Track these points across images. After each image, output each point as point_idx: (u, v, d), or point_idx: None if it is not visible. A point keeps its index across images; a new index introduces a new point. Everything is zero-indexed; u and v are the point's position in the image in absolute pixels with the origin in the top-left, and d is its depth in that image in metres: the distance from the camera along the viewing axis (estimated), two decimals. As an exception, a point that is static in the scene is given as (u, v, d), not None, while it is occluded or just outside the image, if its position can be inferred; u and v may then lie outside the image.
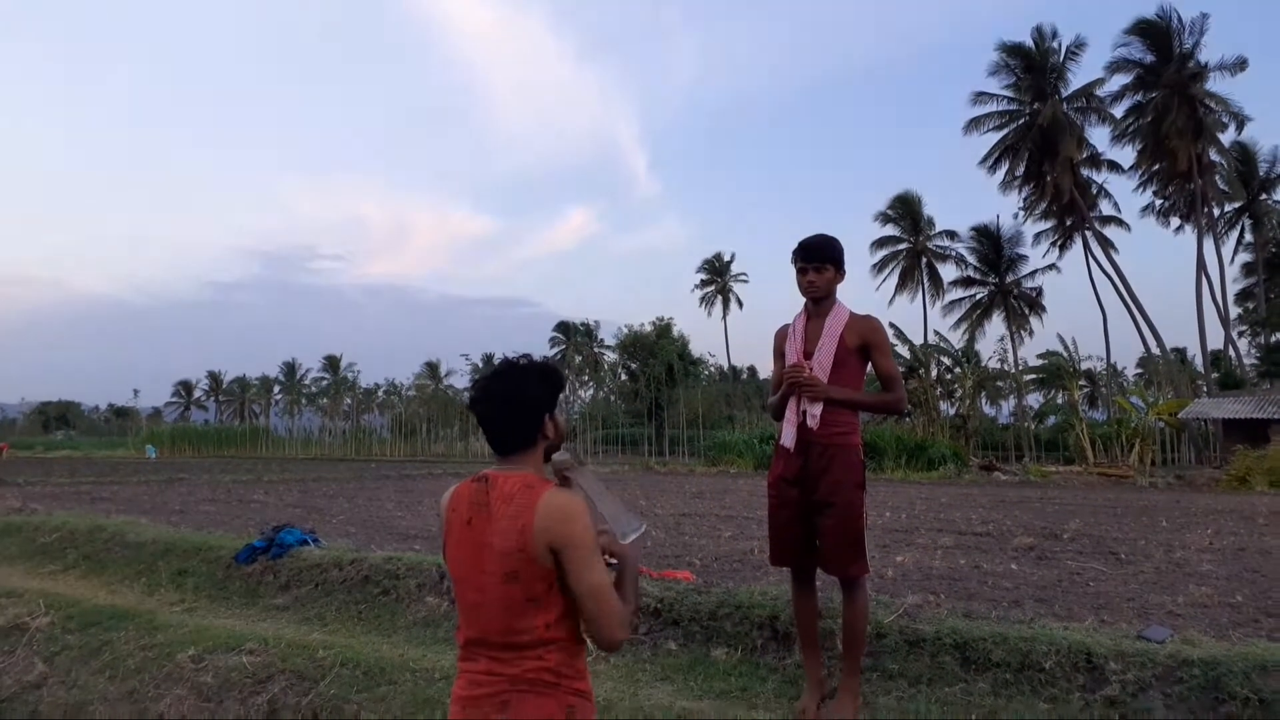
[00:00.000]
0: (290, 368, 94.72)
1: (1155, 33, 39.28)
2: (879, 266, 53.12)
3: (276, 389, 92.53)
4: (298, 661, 4.80)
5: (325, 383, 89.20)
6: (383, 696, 4.36)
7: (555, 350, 79.68)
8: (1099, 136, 57.54)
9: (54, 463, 36.28)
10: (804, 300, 4.10)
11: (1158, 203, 43.89)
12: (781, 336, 4.18)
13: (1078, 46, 41.51)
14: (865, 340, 3.96)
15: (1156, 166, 41.59)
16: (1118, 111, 41.51)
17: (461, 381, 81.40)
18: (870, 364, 4.04)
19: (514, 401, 2.17)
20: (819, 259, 3.98)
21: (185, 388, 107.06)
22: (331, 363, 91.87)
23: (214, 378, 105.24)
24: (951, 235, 51.66)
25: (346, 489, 18.34)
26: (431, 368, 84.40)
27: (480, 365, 79.86)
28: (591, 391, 74.15)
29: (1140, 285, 74.15)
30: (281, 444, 62.02)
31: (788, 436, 4.03)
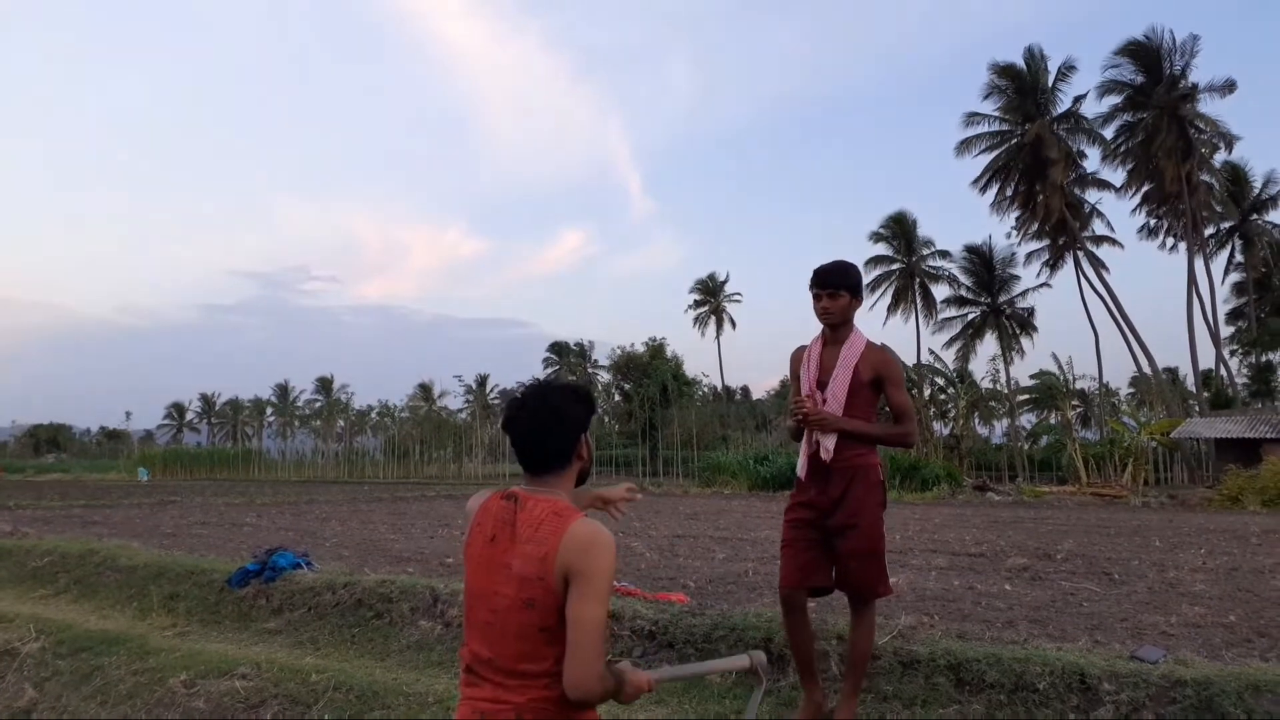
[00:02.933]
0: (283, 389, 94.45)
1: (1145, 54, 39.72)
2: (872, 286, 53.32)
3: (269, 411, 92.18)
4: (291, 686, 4.78)
5: (318, 404, 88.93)
6: (376, 721, 4.35)
7: (549, 371, 79.59)
8: (1091, 157, 57.96)
9: (45, 486, 36.08)
10: (821, 326, 4.12)
11: (1150, 222, 44.27)
12: (797, 359, 4.20)
13: (1068, 68, 41.95)
14: (879, 373, 4.00)
15: (1147, 186, 41.96)
16: (1108, 132, 41.92)
17: (455, 403, 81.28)
18: (884, 395, 4.06)
19: (552, 419, 2.15)
20: (833, 284, 3.99)
21: (177, 410, 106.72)
22: (324, 384, 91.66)
23: (206, 400, 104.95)
24: (944, 255, 51.95)
25: (339, 511, 18.26)
26: (425, 389, 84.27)
27: (474, 387, 79.80)
28: (585, 412, 73.94)
29: (1132, 304, 74.41)
30: (274, 466, 61.87)
31: (801, 466, 4.07)
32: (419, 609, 6.11)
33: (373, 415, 78.10)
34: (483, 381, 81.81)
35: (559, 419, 2.15)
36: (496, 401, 79.65)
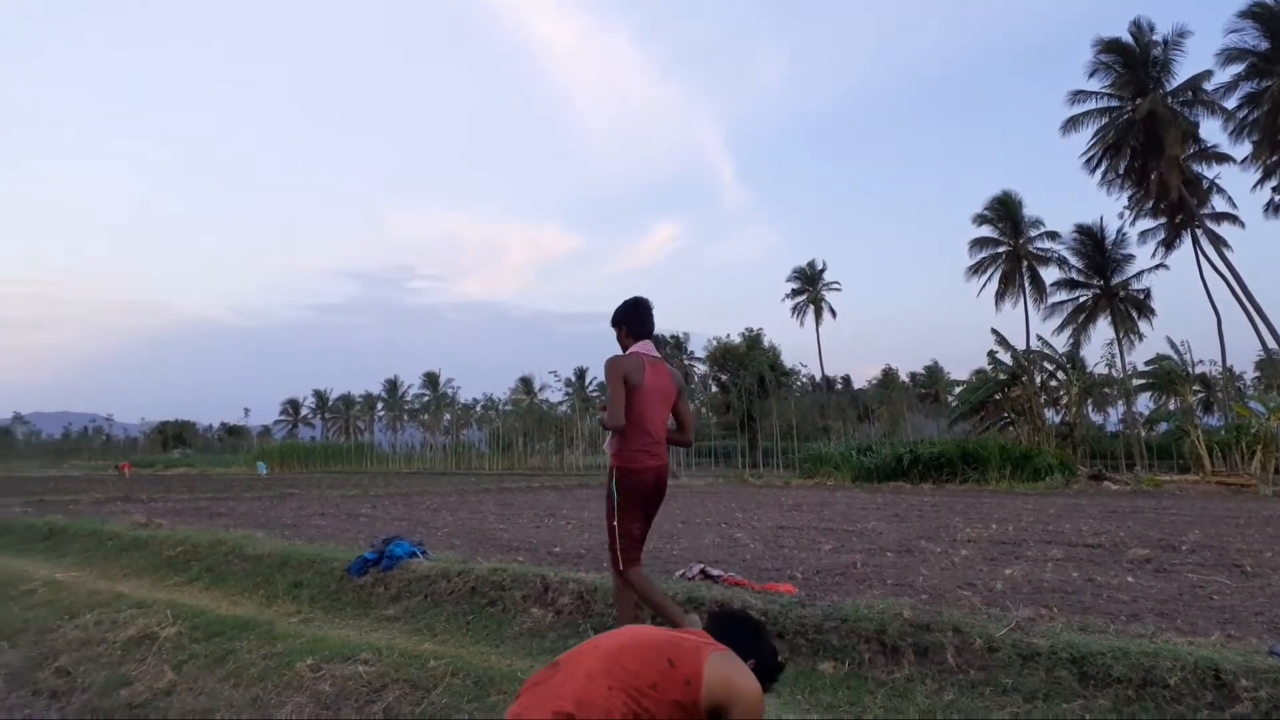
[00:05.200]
0: (392, 385, 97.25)
1: (1271, 17, 37.42)
2: (976, 269, 51.84)
3: (379, 406, 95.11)
4: (411, 671, 4.92)
5: (426, 399, 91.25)
6: (493, 706, 4.44)
7: (646, 364, 79.39)
8: (1211, 129, 55.22)
9: (173, 480, 37.96)
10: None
11: (1276, 198, 41.78)
12: None
13: (1180, 35, 39.83)
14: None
15: (1275, 158, 39.60)
16: (1230, 102, 39.66)
17: (555, 396, 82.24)
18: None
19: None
20: (613, 325, 5.18)
21: (293, 406, 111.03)
22: (431, 379, 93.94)
23: (320, 396, 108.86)
24: (1053, 236, 50.11)
25: (449, 502, 18.72)
26: (526, 383, 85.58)
27: (573, 380, 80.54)
28: (684, 404, 73.94)
29: (1257, 284, 70.56)
30: (385, 459, 63.76)
31: None
32: (530, 597, 6.22)
33: (477, 409, 79.77)
34: (581, 375, 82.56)
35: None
36: (595, 395, 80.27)
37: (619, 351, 5.09)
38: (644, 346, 5.04)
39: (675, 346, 78.58)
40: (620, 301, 5.21)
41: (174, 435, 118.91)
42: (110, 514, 14.87)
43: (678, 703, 2.33)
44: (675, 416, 5.11)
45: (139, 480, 37.04)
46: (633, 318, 5.11)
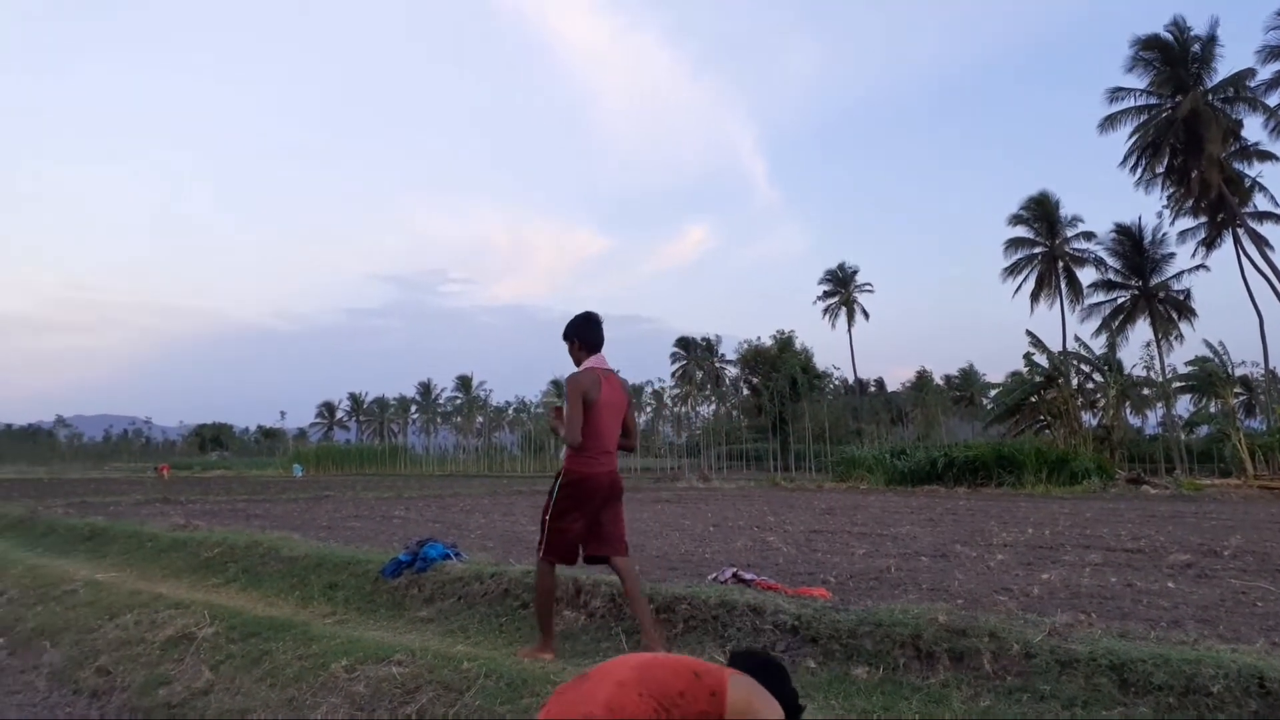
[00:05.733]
0: (426, 388, 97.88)
1: (1311, 14, 36.74)
2: (1011, 270, 51.29)
3: (413, 409, 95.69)
4: (444, 673, 4.94)
5: (458, 401, 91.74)
6: (526, 708, 4.45)
7: (676, 365, 79.70)
8: (1253, 127, 54.29)
9: (211, 481, 38.47)
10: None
11: (1319, 196, 40.98)
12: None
13: (1214, 35, 39.21)
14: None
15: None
16: (1272, 99, 38.96)
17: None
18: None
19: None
20: (564, 339, 5.48)
21: (328, 409, 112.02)
22: (464, 382, 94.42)
23: (355, 399, 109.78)
24: (1089, 237, 49.50)
25: (482, 504, 18.81)
26: (557, 385, 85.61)
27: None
28: (714, 407, 73.96)
29: (1301, 284, 68.88)
30: (419, 461, 64.31)
31: None
32: (563, 599, 6.22)
33: (509, 411, 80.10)
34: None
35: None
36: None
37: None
38: (597, 360, 5.39)
39: (707, 349, 78.48)
40: (600, 312, 5.61)
41: (211, 438, 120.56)
42: (149, 515, 15.08)
43: (704, 713, 2.36)
44: (623, 424, 5.44)
45: (177, 482, 37.57)
46: (584, 331, 5.45)
